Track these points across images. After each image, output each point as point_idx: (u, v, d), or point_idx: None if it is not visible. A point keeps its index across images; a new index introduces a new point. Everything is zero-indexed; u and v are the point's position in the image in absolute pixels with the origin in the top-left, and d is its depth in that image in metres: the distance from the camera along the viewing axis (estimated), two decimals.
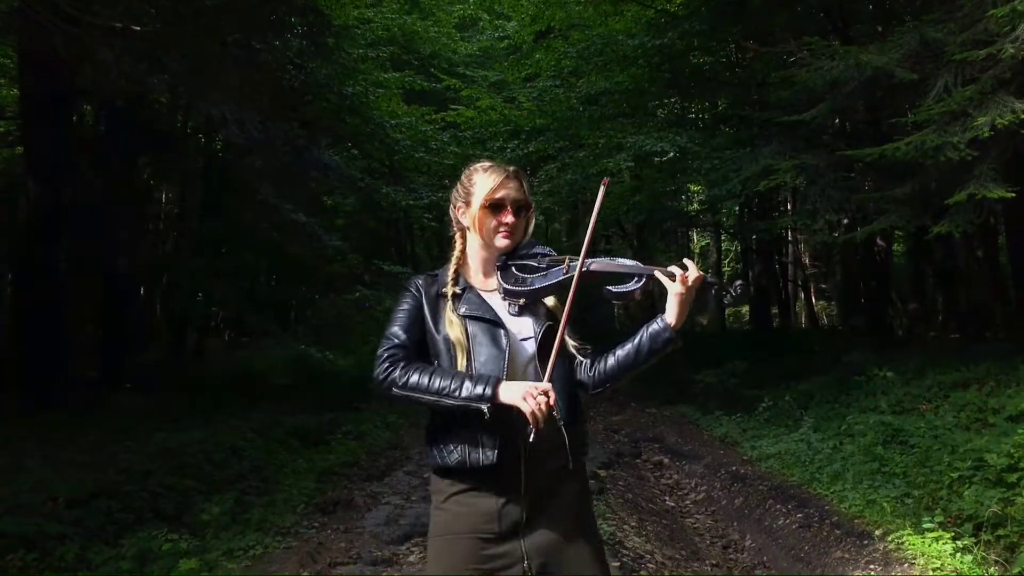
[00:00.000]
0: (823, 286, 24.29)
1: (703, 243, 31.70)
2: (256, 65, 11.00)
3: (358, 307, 17.66)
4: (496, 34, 21.99)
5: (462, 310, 2.26)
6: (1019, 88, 6.90)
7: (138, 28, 7.73)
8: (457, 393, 2.09)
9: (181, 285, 14.19)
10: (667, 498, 7.56)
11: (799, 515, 6.18)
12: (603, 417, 11.71)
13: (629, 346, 2.24)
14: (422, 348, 2.27)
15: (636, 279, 2.16)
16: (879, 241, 14.33)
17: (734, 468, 7.96)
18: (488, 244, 2.33)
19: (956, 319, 14.33)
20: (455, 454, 2.17)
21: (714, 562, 5.61)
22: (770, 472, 7.59)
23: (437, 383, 2.12)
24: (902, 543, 5.07)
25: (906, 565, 4.83)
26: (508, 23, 20.77)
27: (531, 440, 2.05)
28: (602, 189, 2.30)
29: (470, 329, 2.24)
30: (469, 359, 2.20)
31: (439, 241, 28.86)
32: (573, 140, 15.66)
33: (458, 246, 2.41)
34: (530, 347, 2.25)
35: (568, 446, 2.19)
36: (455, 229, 2.42)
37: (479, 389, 2.08)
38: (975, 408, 7.33)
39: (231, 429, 8.46)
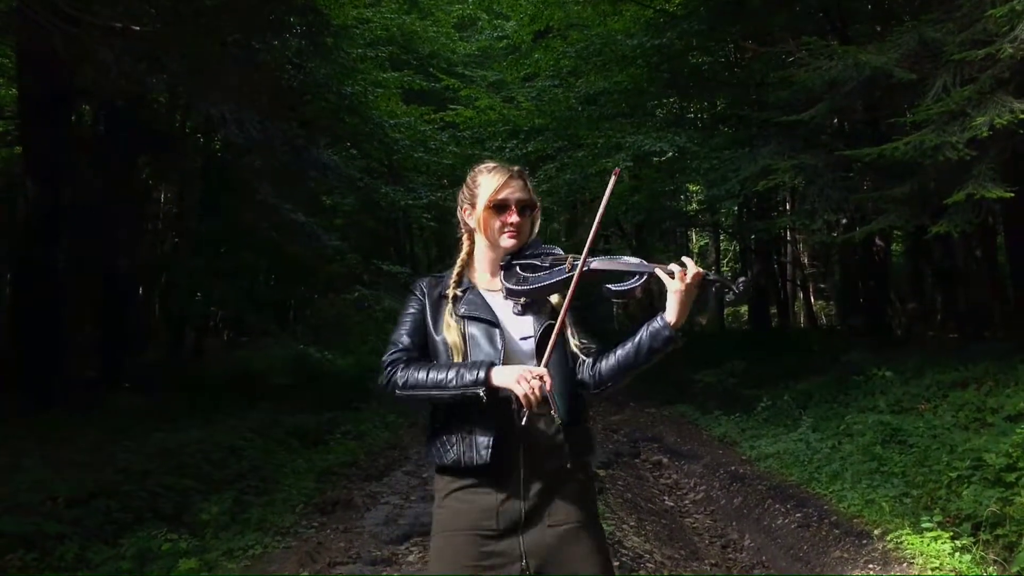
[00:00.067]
0: (822, 286, 24.31)
1: (702, 243, 31.72)
2: (255, 65, 10.99)
3: (357, 307, 17.66)
4: (495, 34, 21.99)
5: (461, 311, 2.28)
6: (1018, 88, 6.91)
7: (137, 28, 7.72)
8: (453, 383, 2.12)
9: (180, 285, 14.18)
10: (666, 498, 7.56)
11: (798, 515, 6.18)
12: (602, 417, 11.71)
13: (629, 345, 2.22)
14: (426, 351, 2.30)
15: (636, 277, 2.15)
16: (878, 241, 14.35)
17: (733, 468, 7.96)
18: (494, 244, 2.34)
19: (955, 319, 14.34)
20: (451, 453, 2.19)
21: (713, 562, 5.61)
22: (769, 472, 7.59)
23: (434, 376, 2.16)
24: (901, 543, 5.08)
25: (905, 564, 4.83)
26: (507, 23, 20.76)
27: (523, 423, 2.07)
28: (612, 179, 2.30)
29: (468, 330, 2.26)
30: (465, 358, 2.23)
31: (438, 241, 28.85)
32: (572, 140, 15.66)
33: (465, 247, 2.42)
34: (528, 346, 2.25)
35: (567, 445, 2.19)
36: (462, 230, 2.44)
37: (473, 375, 2.10)
38: (974, 408, 7.34)
39: (230, 429, 8.45)
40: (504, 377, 2.08)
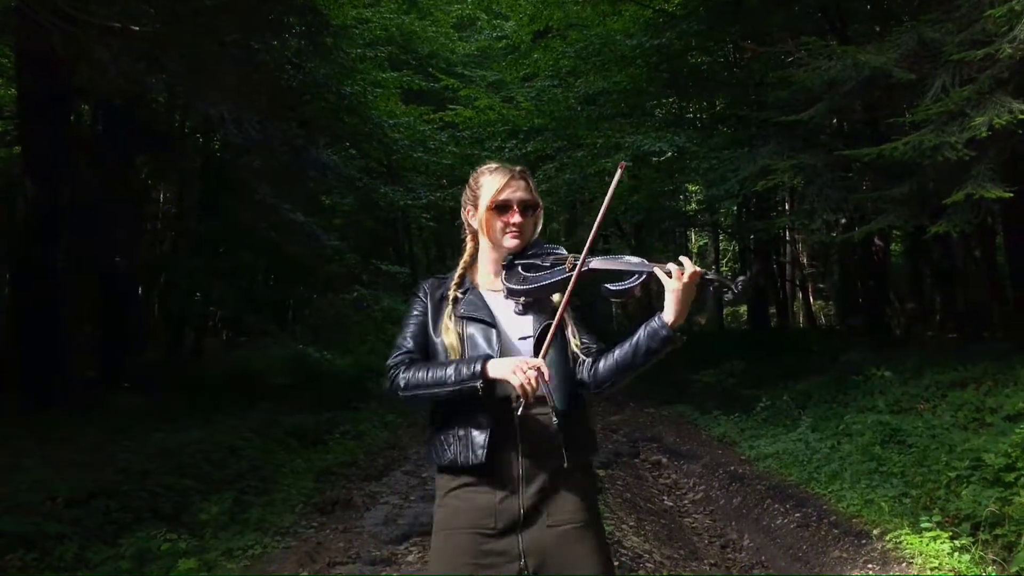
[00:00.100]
0: (821, 286, 24.32)
1: (701, 243, 31.73)
2: (254, 65, 10.99)
3: (356, 307, 17.66)
4: (494, 34, 22.01)
5: (460, 311, 2.30)
6: (1017, 88, 6.91)
7: (136, 28, 7.72)
8: (452, 378, 2.15)
9: (179, 284, 14.18)
10: (665, 498, 7.57)
11: (797, 514, 6.18)
12: (601, 417, 11.71)
13: (627, 345, 2.21)
14: (428, 353, 2.33)
15: (635, 277, 2.15)
16: (877, 241, 14.36)
17: (732, 468, 7.97)
18: (497, 245, 2.36)
19: (954, 319, 14.36)
20: (449, 453, 2.21)
21: (712, 561, 5.61)
22: (768, 472, 7.60)
23: (434, 375, 2.19)
24: (900, 542, 5.08)
25: (904, 564, 4.83)
26: (506, 23, 20.78)
27: (518, 413, 2.08)
28: (619, 172, 2.31)
29: (466, 330, 2.28)
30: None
31: (437, 241, 28.86)
32: (571, 140, 15.66)
33: (469, 248, 2.44)
34: (527, 346, 2.26)
35: (565, 445, 2.18)
36: (466, 232, 2.45)
37: (469, 369, 2.13)
38: (973, 408, 7.34)
39: (229, 429, 8.45)
40: (500, 368, 2.10)
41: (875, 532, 5.42)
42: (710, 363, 13.05)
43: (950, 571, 4.57)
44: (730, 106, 15.27)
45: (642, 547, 5.46)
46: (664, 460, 8.97)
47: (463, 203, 2.43)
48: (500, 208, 2.33)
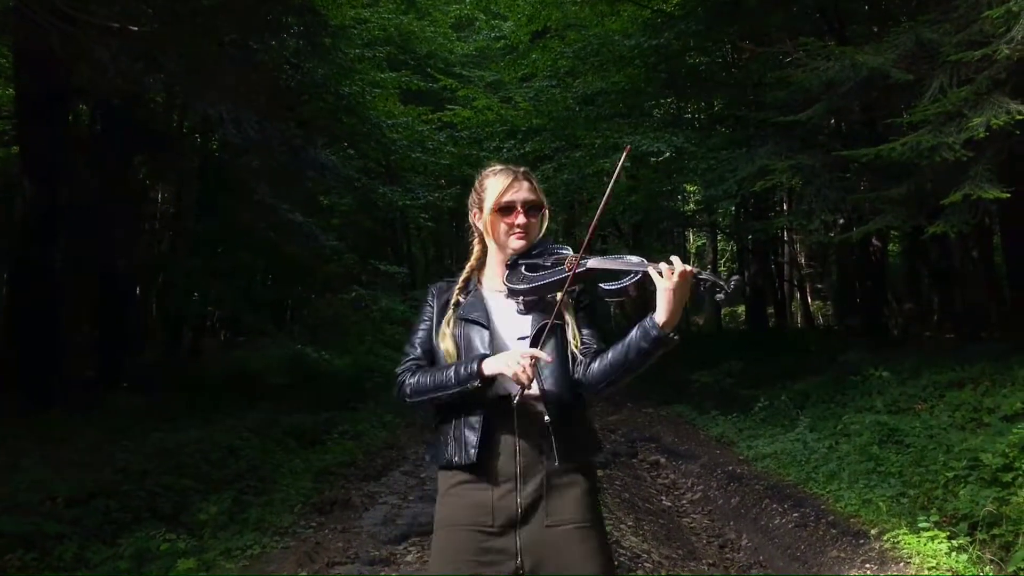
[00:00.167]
0: (819, 286, 24.36)
1: (699, 243, 31.78)
2: (253, 65, 10.98)
3: (354, 307, 17.63)
4: (492, 34, 22.01)
5: (460, 313, 2.34)
6: (1014, 89, 6.92)
7: (135, 28, 7.71)
8: (452, 380, 2.20)
9: (177, 284, 14.16)
10: (663, 498, 7.58)
11: (795, 514, 6.20)
12: (600, 417, 11.72)
13: (620, 346, 2.20)
14: (435, 359, 2.37)
15: (630, 276, 2.14)
16: (875, 241, 14.38)
17: (730, 468, 7.98)
18: (502, 246, 2.38)
19: (951, 319, 14.38)
20: (447, 451, 2.25)
21: (710, 561, 5.62)
22: (766, 472, 7.61)
23: (435, 379, 2.24)
24: (898, 542, 5.09)
25: (902, 564, 4.85)
26: (504, 23, 20.79)
27: (516, 402, 2.12)
28: (624, 155, 2.32)
29: (463, 332, 2.31)
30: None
31: (435, 241, 28.87)
32: (569, 140, 15.69)
33: (476, 251, 2.47)
34: (524, 346, 2.26)
35: (554, 444, 2.19)
36: (474, 235, 2.48)
37: (466, 370, 2.18)
38: (970, 408, 7.36)
39: (228, 429, 8.45)
40: (495, 364, 2.14)
41: (873, 532, 5.43)
42: (708, 363, 13.07)
43: (947, 571, 4.59)
44: (728, 106, 15.28)
45: (640, 547, 5.47)
46: (662, 460, 8.98)
47: (469, 206, 2.46)
48: (504, 210, 2.35)
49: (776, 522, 6.22)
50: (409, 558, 5.27)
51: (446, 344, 2.31)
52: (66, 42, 7.33)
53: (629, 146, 2.38)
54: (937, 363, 9.28)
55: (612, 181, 2.31)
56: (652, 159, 14.66)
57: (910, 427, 7.17)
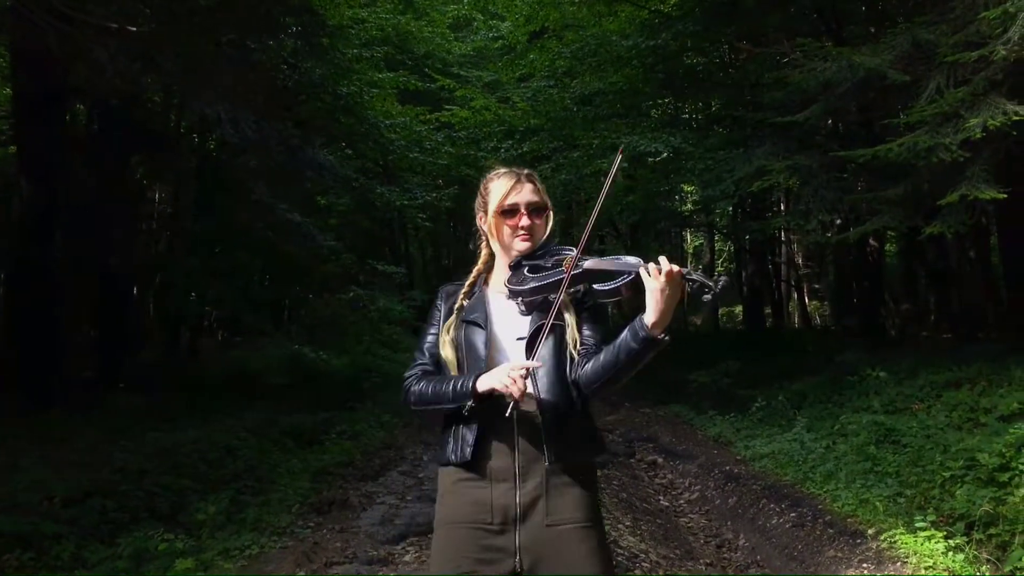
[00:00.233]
0: (816, 286, 24.38)
1: (697, 243, 31.81)
2: (250, 65, 10.97)
3: (352, 307, 17.62)
4: (490, 34, 22.01)
5: (463, 315, 2.37)
6: (1011, 90, 6.93)
7: (132, 27, 7.71)
8: (449, 396, 2.24)
9: (175, 284, 14.15)
10: (661, 497, 7.59)
11: (792, 514, 6.21)
12: (597, 417, 11.58)
13: (612, 346, 2.20)
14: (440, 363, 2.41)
15: (623, 276, 2.15)
16: (872, 241, 14.40)
17: (728, 468, 7.99)
18: (507, 248, 2.40)
19: (948, 319, 14.40)
20: (447, 449, 2.28)
21: (708, 561, 5.64)
22: (763, 472, 7.62)
23: (436, 391, 2.29)
24: (895, 542, 5.10)
25: (899, 564, 4.86)
26: (502, 23, 20.79)
27: (508, 414, 2.12)
28: (617, 158, 2.34)
29: (466, 332, 2.34)
30: (460, 366, 2.33)
31: (433, 241, 28.88)
32: (567, 140, 15.69)
33: (483, 254, 2.50)
34: (523, 346, 2.28)
35: (547, 444, 2.19)
36: (481, 238, 2.51)
37: (462, 388, 2.21)
38: (967, 408, 7.37)
39: (226, 429, 8.45)
40: (488, 381, 2.15)
41: (870, 532, 5.45)
42: (705, 363, 13.09)
43: (944, 571, 4.60)
44: (726, 107, 15.27)
45: (638, 547, 5.48)
46: (660, 460, 8.99)
47: (476, 210, 2.48)
48: (508, 212, 2.37)
49: (773, 522, 6.24)
50: (407, 558, 5.27)
51: (446, 352, 2.35)
52: (63, 42, 7.32)
53: (622, 148, 2.38)
54: (934, 363, 9.30)
55: (607, 184, 2.32)
56: (650, 159, 14.64)
57: (907, 427, 7.18)
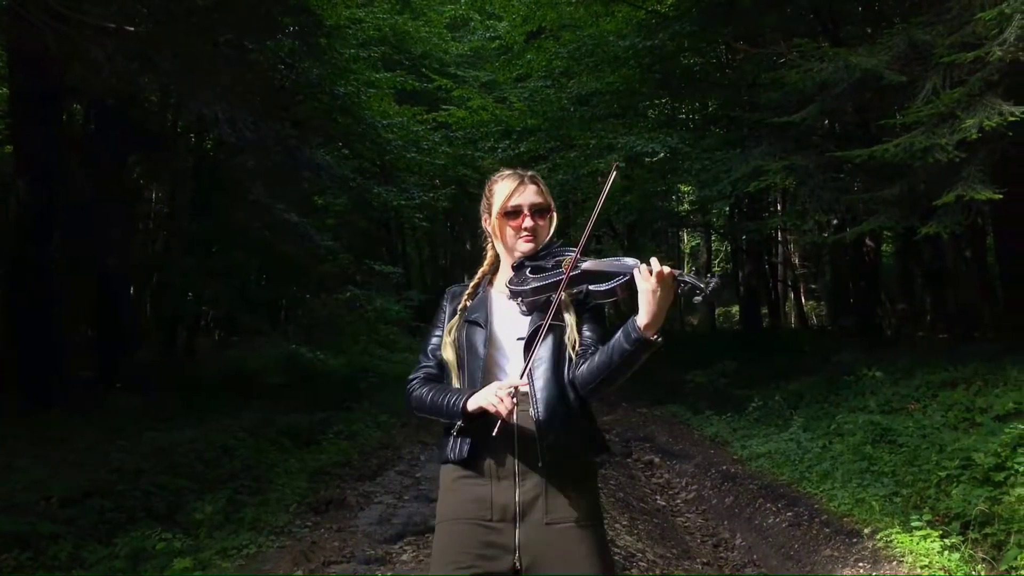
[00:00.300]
0: (812, 286, 24.43)
1: (693, 243, 31.83)
2: (248, 65, 10.99)
3: (349, 307, 17.64)
4: (487, 34, 22.02)
5: (466, 314, 2.40)
6: (1007, 90, 6.95)
7: (130, 27, 7.71)
8: (443, 411, 2.27)
9: (172, 284, 14.14)
10: (658, 497, 7.60)
11: (789, 514, 6.22)
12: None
13: (606, 348, 2.21)
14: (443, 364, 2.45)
15: (619, 278, 2.17)
16: (868, 242, 14.42)
17: (724, 467, 8.01)
18: (511, 249, 2.42)
19: (944, 319, 14.42)
20: (447, 447, 2.31)
21: (705, 560, 5.65)
22: (760, 471, 7.64)
23: (432, 401, 2.32)
24: (891, 541, 5.12)
25: (894, 563, 4.87)
26: (499, 23, 20.79)
27: (494, 435, 2.12)
28: (612, 173, 2.37)
29: (467, 332, 2.36)
30: (460, 366, 2.36)
31: (430, 241, 28.86)
32: (564, 140, 15.70)
33: (489, 256, 2.53)
34: (522, 346, 2.29)
35: (540, 444, 2.20)
36: (487, 239, 2.53)
37: (453, 406, 2.24)
38: (963, 408, 7.39)
39: (223, 429, 8.46)
40: (477, 401, 2.18)
41: (866, 531, 5.46)
42: (702, 363, 13.11)
43: (940, 570, 4.61)
44: (722, 107, 15.30)
45: (635, 546, 5.49)
46: (657, 460, 9.00)
47: (481, 212, 2.51)
48: (511, 213, 2.39)
49: (770, 521, 6.25)
50: (404, 557, 5.28)
51: (447, 353, 2.38)
52: (61, 41, 7.33)
53: (617, 164, 2.40)
54: (930, 363, 9.32)
55: (601, 197, 2.34)
56: (647, 159, 14.66)
57: (903, 427, 7.20)
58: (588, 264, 2.25)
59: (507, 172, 2.48)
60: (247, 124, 10.55)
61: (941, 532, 4.98)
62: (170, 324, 14.95)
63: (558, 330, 2.30)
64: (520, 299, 2.34)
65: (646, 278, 2.07)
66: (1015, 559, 4.52)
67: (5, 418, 8.22)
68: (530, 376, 2.22)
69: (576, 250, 2.27)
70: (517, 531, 2.19)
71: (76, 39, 7.40)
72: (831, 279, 20.33)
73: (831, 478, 6.70)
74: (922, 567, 4.68)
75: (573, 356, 2.29)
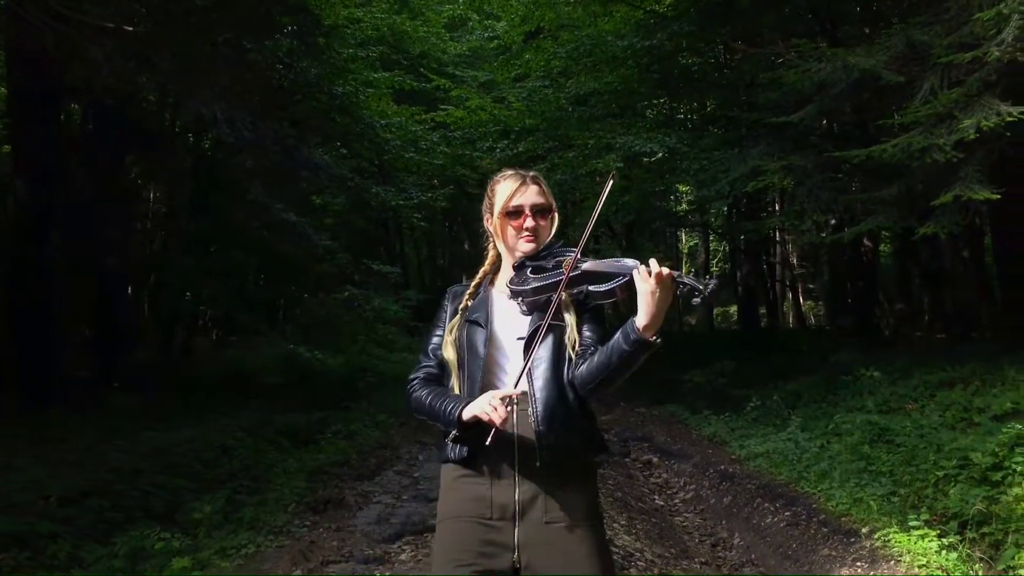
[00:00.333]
0: (811, 286, 24.44)
1: (691, 243, 31.83)
2: (246, 64, 10.97)
3: (347, 306, 17.63)
4: (486, 34, 22.01)
5: (467, 314, 2.41)
6: (1005, 91, 6.96)
7: (128, 27, 7.71)
8: (440, 418, 2.28)
9: (170, 284, 14.14)
10: (656, 497, 7.61)
11: (787, 513, 6.23)
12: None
13: (605, 348, 2.21)
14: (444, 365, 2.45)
15: (619, 279, 2.17)
16: (866, 242, 14.43)
17: (723, 467, 8.01)
18: (512, 249, 2.43)
19: (942, 319, 14.44)
20: (447, 448, 2.31)
21: (703, 560, 5.66)
22: (758, 471, 7.64)
23: (430, 406, 2.33)
24: (888, 541, 5.12)
25: (892, 563, 4.88)
26: (498, 23, 20.78)
27: (488, 444, 2.12)
28: (609, 182, 2.39)
29: (468, 332, 2.37)
30: (461, 365, 2.36)
31: (428, 241, 28.85)
32: (562, 140, 15.70)
33: (490, 256, 2.53)
34: (521, 345, 2.30)
35: (538, 444, 2.20)
36: (488, 239, 2.54)
37: (449, 415, 2.24)
38: (961, 407, 7.40)
39: (221, 428, 8.47)
40: (472, 411, 2.18)
41: (864, 530, 5.46)
42: (700, 363, 13.11)
43: (938, 569, 4.62)
44: (721, 107, 15.30)
45: (633, 546, 5.50)
46: (655, 459, 9.01)
47: (483, 212, 2.52)
48: (513, 214, 2.40)
49: (768, 521, 6.26)
50: (403, 557, 5.28)
51: (447, 353, 2.39)
52: (59, 41, 7.33)
53: (614, 172, 2.42)
54: (928, 363, 9.33)
55: (598, 205, 2.36)
56: (645, 159, 14.66)
57: (901, 427, 7.21)
58: (588, 265, 2.26)
59: (509, 172, 2.49)
60: (245, 124, 10.54)
61: (939, 531, 4.98)
62: (168, 324, 14.95)
63: (558, 330, 2.30)
64: (521, 299, 2.34)
65: (645, 279, 2.08)
66: (1012, 558, 4.53)
67: (4, 418, 8.21)
68: (529, 376, 2.23)
69: (576, 250, 2.28)
70: (516, 530, 2.20)
71: (75, 39, 7.39)
72: (829, 279, 20.35)
73: (829, 478, 6.71)
74: (920, 566, 4.69)
75: (573, 356, 2.30)
